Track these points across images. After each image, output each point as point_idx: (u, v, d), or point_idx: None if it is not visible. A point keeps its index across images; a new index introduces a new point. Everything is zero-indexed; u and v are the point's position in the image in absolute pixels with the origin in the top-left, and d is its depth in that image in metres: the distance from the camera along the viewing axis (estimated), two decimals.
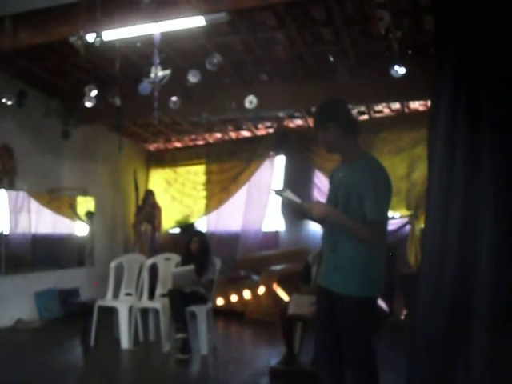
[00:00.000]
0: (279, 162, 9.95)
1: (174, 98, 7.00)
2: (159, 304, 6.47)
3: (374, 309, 3.32)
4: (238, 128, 9.93)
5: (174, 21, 5.33)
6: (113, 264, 6.90)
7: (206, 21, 5.38)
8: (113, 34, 5.68)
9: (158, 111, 6.42)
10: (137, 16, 5.18)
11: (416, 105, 8.40)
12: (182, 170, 10.70)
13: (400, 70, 6.14)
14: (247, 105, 6.88)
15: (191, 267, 6.22)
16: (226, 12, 5.24)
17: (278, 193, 3.37)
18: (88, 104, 7.02)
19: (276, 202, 3.49)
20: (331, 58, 6.91)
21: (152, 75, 6.14)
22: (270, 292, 8.15)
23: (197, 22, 5.41)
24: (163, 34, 5.63)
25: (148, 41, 6.02)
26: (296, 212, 3.38)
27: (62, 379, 5.32)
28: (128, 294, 6.91)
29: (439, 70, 3.33)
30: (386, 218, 3.25)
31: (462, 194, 3.07)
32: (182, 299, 6.14)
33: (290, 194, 3.33)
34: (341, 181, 3.31)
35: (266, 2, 5.11)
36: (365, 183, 3.14)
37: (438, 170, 3.25)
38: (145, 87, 6.30)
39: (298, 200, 3.30)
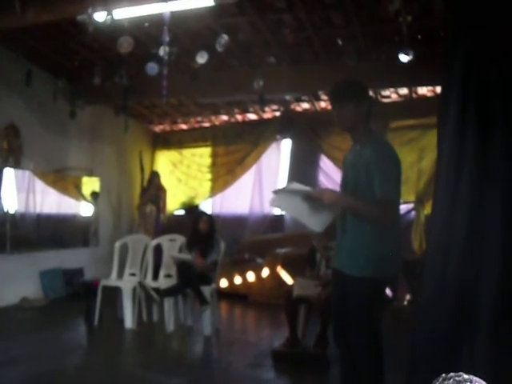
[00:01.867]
0: (286, 145, 9.92)
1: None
2: (163, 284, 6.49)
3: (381, 291, 3.31)
4: (245, 111, 9.90)
5: (183, 0, 5.31)
6: (117, 244, 6.92)
7: (214, 1, 5.37)
8: (120, 13, 5.66)
9: (166, 91, 6.42)
10: None
11: (424, 90, 8.35)
12: (187, 151, 10.70)
13: (405, 57, 6.12)
14: (255, 87, 6.86)
15: (189, 257, 6.30)
16: None
17: (283, 190, 3.37)
18: (95, 83, 7.04)
19: (276, 203, 3.48)
20: (340, 42, 6.86)
21: (161, 53, 6.12)
22: (274, 275, 8.17)
23: (205, 1, 5.39)
24: (171, 15, 5.60)
25: (155, 21, 5.99)
26: (303, 198, 3.37)
27: (66, 357, 5.35)
28: (132, 275, 6.94)
29: (449, 54, 3.29)
30: (397, 197, 3.23)
31: (470, 182, 3.04)
32: (192, 274, 6.22)
33: (297, 185, 3.33)
34: (350, 162, 3.32)
35: None
36: (373, 163, 3.13)
37: (446, 157, 3.23)
38: (152, 67, 6.30)
39: (307, 188, 3.30)
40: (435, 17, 6.17)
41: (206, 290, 6.21)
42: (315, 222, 3.34)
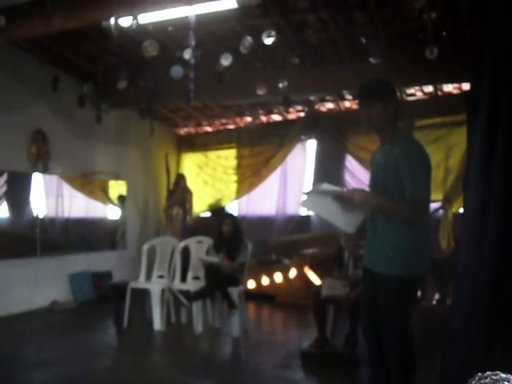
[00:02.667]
0: (311, 145, 9.90)
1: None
2: (191, 286, 6.52)
3: (410, 289, 3.30)
4: (269, 112, 9.91)
5: (206, 4, 5.34)
6: (145, 247, 6.97)
7: (237, 3, 5.39)
8: (145, 18, 5.72)
9: (190, 94, 6.46)
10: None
11: (449, 88, 8.28)
12: (212, 154, 10.75)
13: (430, 55, 6.09)
14: (280, 87, 6.87)
15: (217, 259, 6.35)
16: None
17: (313, 191, 3.39)
18: (120, 88, 7.10)
19: (307, 204, 3.51)
20: (363, 41, 6.84)
21: (187, 56, 6.16)
22: (302, 275, 8.16)
23: (228, 4, 5.41)
24: (195, 18, 5.63)
25: (180, 24, 6.04)
26: (334, 199, 3.36)
27: (96, 359, 5.40)
28: (160, 277, 6.98)
29: (478, 52, 3.26)
30: (427, 197, 3.22)
31: (501, 182, 3.02)
32: (220, 276, 6.27)
33: (327, 186, 3.34)
34: (379, 162, 3.32)
35: None
36: (403, 162, 3.12)
37: (477, 156, 3.21)
38: (176, 71, 6.34)
39: (337, 189, 3.31)
40: (460, 14, 6.12)
41: (234, 292, 6.23)
42: (346, 223, 3.35)
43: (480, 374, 1.38)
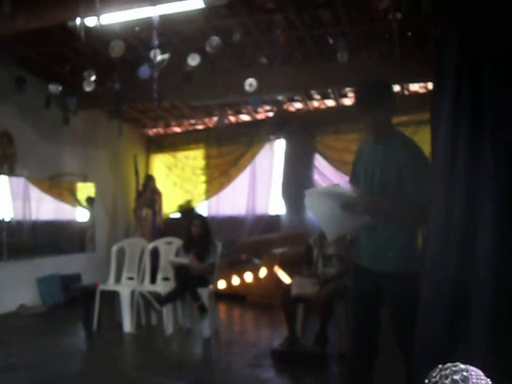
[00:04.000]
0: (280, 145, 9.92)
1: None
2: (161, 288, 6.50)
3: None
4: (238, 112, 9.91)
5: (173, 3, 5.32)
6: (114, 248, 6.92)
7: (204, 3, 5.38)
8: (111, 18, 5.67)
9: (157, 95, 6.43)
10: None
11: (416, 87, 8.38)
12: (181, 154, 10.71)
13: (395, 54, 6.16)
14: (247, 88, 6.86)
15: (186, 260, 6.34)
16: None
17: (323, 190, 3.40)
18: (87, 89, 7.02)
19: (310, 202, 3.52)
20: (331, 41, 6.88)
21: (151, 56, 6.13)
22: (272, 275, 8.17)
23: (195, 4, 5.40)
24: (162, 18, 5.61)
25: (147, 24, 6.00)
26: (343, 205, 3.33)
27: (66, 362, 5.34)
28: (130, 278, 6.94)
29: (441, 50, 3.30)
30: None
31: (465, 179, 3.04)
32: (189, 278, 6.24)
33: (342, 189, 3.34)
34: (376, 160, 3.30)
35: None
36: (407, 164, 3.13)
37: (441, 153, 3.24)
38: (144, 71, 6.29)
39: (348, 194, 3.31)
40: (425, 14, 6.19)
41: (204, 293, 6.22)
42: (333, 231, 3.35)
43: (441, 365, 1.40)
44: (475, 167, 2.97)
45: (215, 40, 5.95)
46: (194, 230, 6.52)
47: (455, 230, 3.02)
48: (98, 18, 5.54)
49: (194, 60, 6.29)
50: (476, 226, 2.93)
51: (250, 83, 6.83)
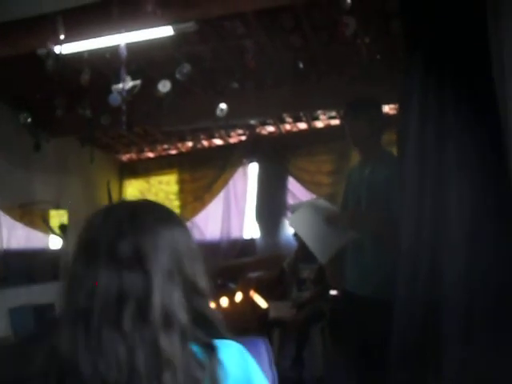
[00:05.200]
0: (253, 169, 9.94)
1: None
2: None
3: None
4: (211, 136, 9.92)
5: (142, 31, 5.32)
6: None
7: (174, 30, 5.39)
8: (80, 46, 5.66)
9: (128, 121, 6.42)
10: (103, 27, 5.18)
11: (386, 108, 8.46)
12: (154, 179, 10.65)
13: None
14: (218, 113, 6.88)
15: None
16: (194, 21, 5.25)
17: (307, 205, 3.38)
18: (59, 115, 7.00)
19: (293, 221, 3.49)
20: (301, 65, 6.94)
21: (120, 86, 6.13)
22: (248, 299, 8.12)
23: (165, 31, 5.40)
24: (133, 45, 5.61)
25: (117, 51, 5.99)
26: (328, 220, 3.30)
27: None
28: None
29: (407, 73, 3.34)
30: None
31: (433, 188, 3.06)
32: None
33: (324, 202, 3.32)
34: (362, 180, 3.33)
35: (233, 10, 5.14)
36: (391, 183, 3.13)
37: (409, 172, 3.26)
38: (114, 98, 6.26)
39: (331, 207, 3.29)
40: (394, 36, 6.28)
41: None
42: (323, 251, 3.31)
43: None
44: (442, 175, 3.00)
45: (186, 67, 5.97)
46: None
47: (426, 238, 3.03)
48: (66, 47, 5.54)
49: (164, 87, 6.29)
50: (446, 233, 2.94)
51: (221, 108, 6.85)
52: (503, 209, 2.68)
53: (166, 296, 1.21)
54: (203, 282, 1.32)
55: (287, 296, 5.88)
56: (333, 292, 5.51)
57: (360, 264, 3.28)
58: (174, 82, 6.49)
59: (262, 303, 7.83)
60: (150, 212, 1.31)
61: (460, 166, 2.92)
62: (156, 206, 1.37)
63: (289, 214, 3.40)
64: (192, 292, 1.28)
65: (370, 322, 3.18)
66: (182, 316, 1.22)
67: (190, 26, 5.29)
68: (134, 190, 10.84)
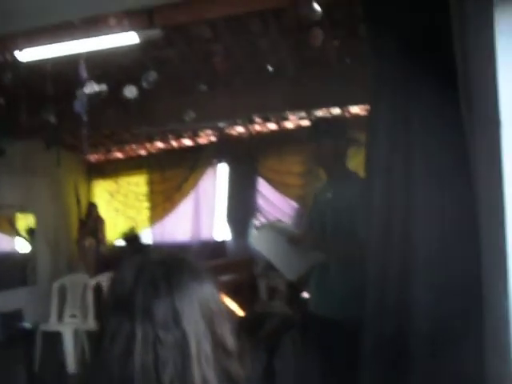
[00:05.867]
0: (223, 170, 9.86)
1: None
2: None
3: None
4: (179, 136, 9.80)
5: (107, 38, 5.21)
6: (55, 285, 6.73)
7: (139, 37, 5.28)
8: (44, 53, 5.53)
9: (93, 125, 6.33)
10: (65, 33, 5.07)
11: (356, 109, 8.45)
12: (123, 180, 10.50)
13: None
14: (186, 118, 6.80)
15: None
16: (159, 28, 5.16)
17: (266, 225, 3.35)
18: (22, 120, 6.86)
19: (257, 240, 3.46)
20: (270, 68, 6.88)
21: (88, 91, 6.03)
22: None
23: (130, 39, 5.29)
24: (98, 51, 5.50)
25: (83, 57, 5.87)
26: (291, 242, 3.25)
27: None
28: (73, 316, 6.74)
29: (374, 76, 3.29)
30: None
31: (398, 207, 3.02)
32: None
33: (280, 224, 3.28)
34: (328, 201, 3.28)
35: (199, 17, 5.06)
36: (357, 205, 3.05)
37: (376, 187, 3.22)
38: (79, 104, 6.16)
39: (290, 229, 3.25)
40: (362, 39, 6.24)
41: None
42: (290, 269, 3.27)
43: None
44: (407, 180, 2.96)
45: (151, 75, 5.87)
46: None
47: (395, 248, 3.00)
48: (28, 53, 5.42)
49: (131, 92, 6.18)
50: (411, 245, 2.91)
51: (189, 113, 6.78)
52: (471, 224, 2.66)
53: (203, 358, 1.20)
54: (231, 342, 1.29)
55: (258, 302, 5.84)
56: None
57: (323, 286, 3.25)
58: (141, 86, 6.39)
59: (234, 307, 7.78)
60: (182, 269, 1.29)
61: (427, 172, 2.89)
62: (186, 261, 1.34)
63: (254, 233, 3.37)
64: (221, 352, 1.26)
65: (334, 342, 3.16)
66: (212, 378, 1.21)
67: (155, 33, 5.19)
68: (102, 190, 10.67)
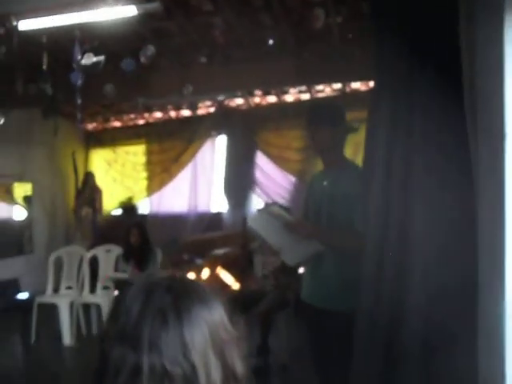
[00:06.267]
0: (221, 142, 9.80)
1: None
2: (101, 299, 6.36)
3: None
4: (178, 107, 9.72)
5: (104, 10, 5.13)
6: (51, 258, 6.74)
7: (137, 10, 5.20)
8: (41, 23, 5.45)
9: (91, 96, 6.28)
10: (65, 4, 5.01)
11: (357, 85, 8.37)
12: (121, 150, 10.43)
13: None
14: (185, 92, 6.73)
15: (125, 275, 6.22)
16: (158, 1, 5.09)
17: (264, 209, 3.31)
18: (19, 89, 6.80)
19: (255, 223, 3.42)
20: (270, 42, 6.78)
21: (86, 62, 5.98)
22: (215, 276, 8.10)
23: (128, 11, 5.21)
24: (96, 22, 5.42)
25: (81, 28, 5.79)
26: (287, 228, 3.22)
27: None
28: (69, 288, 6.77)
29: (378, 54, 3.21)
30: None
31: (400, 186, 2.98)
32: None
33: (278, 209, 3.24)
34: (324, 190, 3.22)
35: None
36: (353, 195, 3.01)
37: (374, 177, 3.18)
38: (75, 76, 6.09)
39: (287, 216, 3.21)
40: (365, 16, 6.15)
41: None
42: (289, 254, 3.24)
43: None
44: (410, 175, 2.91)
45: (150, 49, 5.79)
46: (132, 239, 6.39)
47: (392, 242, 2.97)
48: (26, 23, 5.36)
49: (129, 65, 6.11)
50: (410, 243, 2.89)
51: (188, 87, 6.71)
52: (470, 217, 2.64)
53: None
54: (240, 367, 1.25)
55: (253, 280, 5.85)
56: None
57: (318, 276, 3.21)
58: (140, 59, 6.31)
59: (229, 280, 7.82)
60: (191, 295, 1.22)
61: (427, 171, 2.85)
62: (195, 285, 1.29)
63: (251, 215, 3.32)
64: (231, 379, 1.23)
65: (327, 333, 3.14)
66: None
67: (154, 6, 5.12)
68: (99, 159, 10.61)
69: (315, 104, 3.37)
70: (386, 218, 2.91)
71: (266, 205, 3.37)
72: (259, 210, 3.44)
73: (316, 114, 3.31)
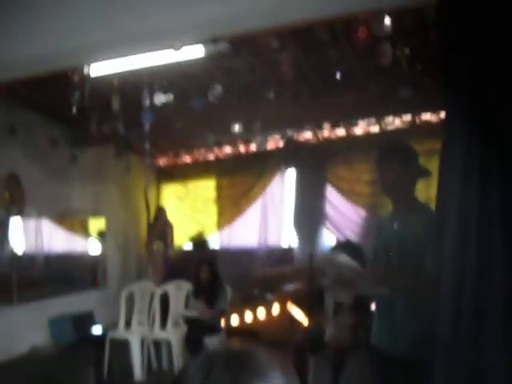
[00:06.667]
0: (291, 176, 9.79)
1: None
2: (172, 335, 6.40)
3: None
4: (248, 142, 9.79)
5: (172, 53, 5.23)
6: (123, 293, 6.82)
7: (205, 51, 5.29)
8: (112, 68, 5.62)
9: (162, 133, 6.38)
10: (131, 47, 5.14)
11: (428, 116, 8.22)
12: (192, 184, 10.59)
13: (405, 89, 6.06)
14: (253, 128, 6.80)
15: (196, 313, 6.23)
16: (225, 41, 5.14)
17: (330, 255, 3.25)
18: (93, 129, 7.03)
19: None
20: (338, 77, 6.76)
21: (156, 101, 6.14)
22: (285, 311, 8.02)
23: (196, 52, 5.30)
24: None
25: (150, 69, 5.94)
26: (348, 277, 3.13)
27: None
28: (141, 323, 6.84)
29: (449, 87, 3.09)
30: None
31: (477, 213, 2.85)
32: (200, 329, 6.12)
33: (345, 258, 3.16)
34: (393, 234, 3.10)
35: (265, 28, 4.99)
36: (423, 238, 2.88)
37: (449, 222, 3.06)
38: (147, 116, 6.26)
39: (354, 265, 3.12)
40: (434, 46, 6.05)
41: (214, 341, 6.09)
42: (366, 286, 3.14)
43: None
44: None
45: (217, 89, 5.87)
46: (202, 276, 6.40)
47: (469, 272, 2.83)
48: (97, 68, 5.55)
49: (200, 103, 6.23)
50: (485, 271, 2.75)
51: (256, 123, 6.78)
52: None
53: None
54: None
55: (323, 316, 5.73)
56: None
57: (388, 319, 3.08)
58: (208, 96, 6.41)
59: (300, 316, 7.71)
60: (249, 373, 1.21)
61: (505, 218, 2.72)
62: (252, 359, 1.27)
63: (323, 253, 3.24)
64: None
65: (399, 381, 3.00)
66: None
67: (221, 46, 5.18)
68: (170, 194, 10.79)
69: (387, 142, 3.23)
70: (464, 264, 2.79)
71: (336, 247, 3.26)
72: (325, 258, 3.36)
73: (387, 153, 3.19)
